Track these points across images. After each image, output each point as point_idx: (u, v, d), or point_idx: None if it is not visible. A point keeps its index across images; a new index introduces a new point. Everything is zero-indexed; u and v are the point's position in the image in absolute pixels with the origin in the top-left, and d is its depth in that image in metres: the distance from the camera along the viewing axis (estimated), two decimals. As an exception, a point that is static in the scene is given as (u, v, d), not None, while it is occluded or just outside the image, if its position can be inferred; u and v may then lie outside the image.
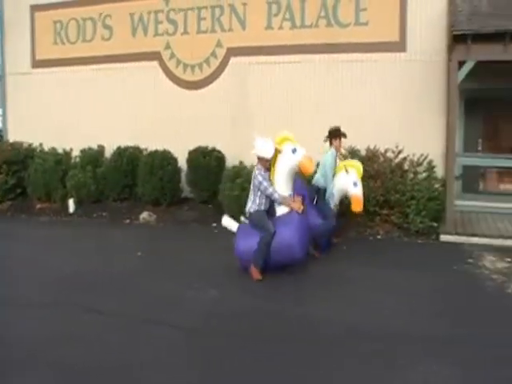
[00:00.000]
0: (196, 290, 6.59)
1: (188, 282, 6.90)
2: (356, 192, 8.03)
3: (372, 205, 9.65)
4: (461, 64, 9.11)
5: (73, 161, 12.59)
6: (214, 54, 12.22)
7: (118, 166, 11.80)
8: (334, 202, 8.21)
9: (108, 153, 12.47)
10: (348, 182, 8.07)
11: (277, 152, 7.21)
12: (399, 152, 10.06)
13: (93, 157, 12.34)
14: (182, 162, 11.64)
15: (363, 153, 10.27)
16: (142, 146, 12.24)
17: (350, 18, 11.23)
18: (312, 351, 4.91)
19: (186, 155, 11.53)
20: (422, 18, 10.80)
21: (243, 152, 11.42)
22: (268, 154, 7.06)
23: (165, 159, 11.43)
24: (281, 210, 7.19)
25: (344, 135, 8.31)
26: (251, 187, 7.25)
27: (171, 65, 12.57)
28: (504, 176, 11.31)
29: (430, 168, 10.00)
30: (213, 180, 11.09)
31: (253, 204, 7.17)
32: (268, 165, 7.21)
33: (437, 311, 5.93)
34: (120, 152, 11.98)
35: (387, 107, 10.97)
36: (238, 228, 7.43)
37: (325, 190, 8.09)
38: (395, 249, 8.73)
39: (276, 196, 7.04)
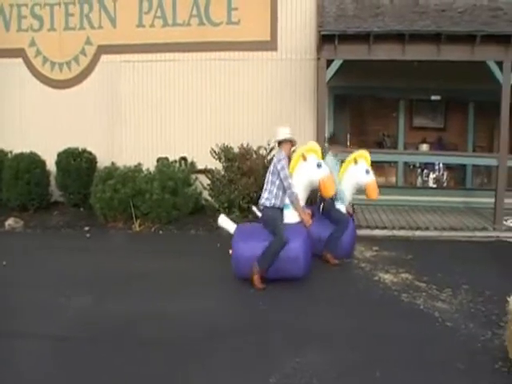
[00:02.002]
0: (67, 297, 6.21)
1: (58, 290, 6.47)
2: (369, 180, 7.87)
3: (246, 202, 9.73)
4: (329, 63, 9.41)
5: None
6: (83, 52, 11.82)
7: (-22, 171, 11.03)
8: (346, 200, 7.92)
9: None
10: (359, 172, 7.87)
11: (301, 158, 6.78)
12: (271, 149, 10.20)
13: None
14: (52, 165, 11.13)
15: (236, 150, 10.34)
16: (7, 149, 11.54)
17: (222, 17, 11.30)
18: (182, 352, 4.82)
19: (56, 157, 11.05)
20: (293, 18, 11.11)
21: (115, 152, 11.23)
22: (290, 135, 6.79)
23: (32, 162, 10.86)
24: (288, 219, 6.65)
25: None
26: (268, 177, 6.71)
27: (37, 62, 12.01)
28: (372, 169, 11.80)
29: (301, 163, 10.22)
30: (84, 182, 10.71)
31: (269, 195, 6.57)
32: (291, 152, 6.91)
33: (310, 301, 6.08)
34: (-19, 156, 11.22)
35: (260, 104, 11.16)
36: (237, 229, 6.83)
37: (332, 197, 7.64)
38: None
39: (292, 191, 6.51)
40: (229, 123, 11.06)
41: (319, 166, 6.71)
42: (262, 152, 10.24)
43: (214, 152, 10.37)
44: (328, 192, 6.82)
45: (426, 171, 11.96)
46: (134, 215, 9.64)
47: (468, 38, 9.14)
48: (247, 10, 11.19)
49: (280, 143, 6.81)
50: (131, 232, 9.50)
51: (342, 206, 7.85)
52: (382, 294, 6.36)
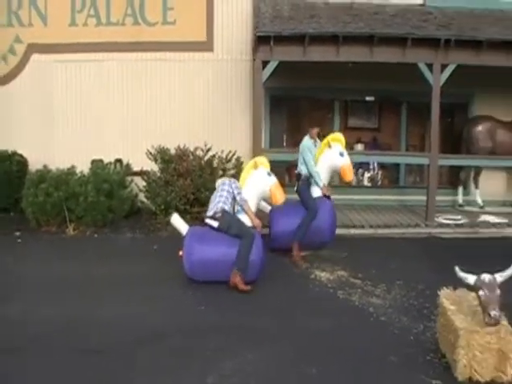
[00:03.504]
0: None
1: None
2: (344, 162, 7.97)
3: (182, 203, 9.65)
4: (265, 64, 9.46)
5: None
6: (12, 51, 11.41)
7: None
8: (322, 182, 7.98)
9: None
10: (334, 155, 7.98)
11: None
12: (208, 150, 10.20)
13: None
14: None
15: (173, 152, 10.25)
16: None
17: (157, 17, 11.19)
18: (117, 357, 4.73)
19: (-17, 161, 10.59)
20: (229, 19, 11.15)
21: (48, 155, 10.89)
22: None
23: (-43, 167, 10.37)
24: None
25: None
26: (221, 193, 6.87)
27: (-40, 61, 11.51)
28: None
29: (239, 164, 10.27)
30: (15, 186, 10.31)
31: (224, 205, 6.72)
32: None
33: (248, 301, 6.11)
34: None
35: (196, 106, 11.15)
36: (189, 232, 6.78)
37: (307, 179, 7.93)
38: None
39: (246, 203, 6.87)
40: (165, 124, 10.95)
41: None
42: (199, 153, 10.19)
43: (150, 153, 10.24)
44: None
45: (360, 170, 12.19)
46: (67, 219, 9.39)
47: (400, 41, 9.41)
48: (183, 10, 11.12)
49: None
50: (65, 236, 9.23)
51: (317, 189, 7.98)
52: (319, 292, 6.49)
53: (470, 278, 4.48)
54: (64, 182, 9.57)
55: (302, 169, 8.02)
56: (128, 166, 10.82)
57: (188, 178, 9.76)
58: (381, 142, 12.11)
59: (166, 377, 4.39)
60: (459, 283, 4.69)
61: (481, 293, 4.34)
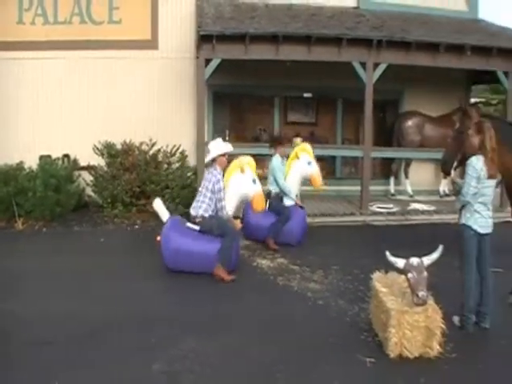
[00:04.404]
0: None
1: None
2: (312, 170, 8.50)
3: (128, 196, 9.93)
4: (208, 62, 9.74)
5: None
6: (-44, 47, 11.23)
7: None
8: (293, 194, 8.48)
9: None
10: (303, 165, 8.48)
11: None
12: (153, 144, 10.48)
13: None
14: None
15: (119, 147, 10.49)
16: None
17: (104, 16, 11.31)
18: (66, 350, 4.83)
19: None
20: (173, 18, 11.40)
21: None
22: (228, 148, 7.03)
23: None
24: None
25: (288, 140, 9.02)
26: (203, 190, 6.93)
27: None
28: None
29: (183, 158, 10.60)
30: None
31: (207, 207, 6.86)
32: (226, 162, 7.17)
33: (193, 290, 6.33)
34: None
35: (142, 102, 11.33)
36: (170, 220, 6.94)
37: (278, 195, 8.33)
38: (152, 236, 8.81)
39: (224, 212, 6.92)
40: (112, 120, 11.06)
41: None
42: (144, 148, 10.47)
43: (97, 148, 10.44)
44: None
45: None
46: (16, 214, 9.46)
47: (335, 41, 9.86)
48: (128, 9, 11.30)
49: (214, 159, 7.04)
50: (14, 231, 9.28)
51: (290, 201, 8.44)
52: (260, 279, 6.81)
53: (400, 262, 4.83)
54: (13, 178, 9.64)
55: (272, 188, 8.44)
56: (75, 161, 10.93)
57: (134, 172, 10.04)
58: (318, 135, 12.61)
59: (114, 366, 4.50)
60: (390, 267, 5.07)
61: (410, 275, 4.69)
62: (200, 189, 7.08)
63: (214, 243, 6.70)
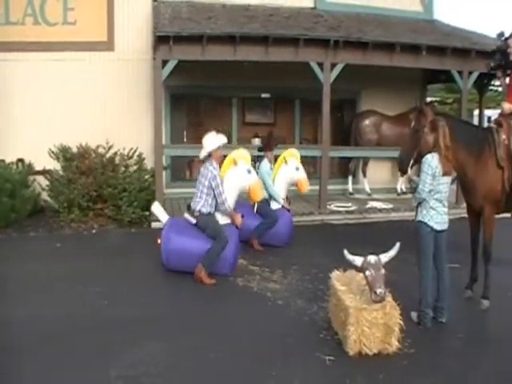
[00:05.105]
0: None
1: None
2: (300, 176, 8.54)
3: (85, 200, 9.75)
4: (165, 63, 9.64)
5: None
6: None
7: None
8: (280, 198, 8.48)
9: None
10: (290, 170, 8.53)
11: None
12: (110, 147, 10.34)
13: None
14: None
15: (75, 150, 10.31)
16: None
17: (58, 17, 11.04)
18: (21, 356, 4.73)
19: None
20: (130, 19, 11.25)
21: None
22: (223, 139, 6.94)
23: None
24: (220, 219, 6.99)
25: (276, 145, 8.86)
26: (200, 186, 6.81)
27: None
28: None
29: (140, 161, 10.46)
30: None
31: (205, 203, 6.77)
32: (222, 157, 7.13)
33: (141, 294, 6.25)
34: None
35: (98, 104, 11.12)
36: (168, 222, 6.92)
37: (265, 198, 8.19)
38: (109, 240, 8.94)
39: (226, 206, 6.84)
40: (67, 123, 10.78)
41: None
42: (101, 151, 10.33)
43: (52, 152, 10.24)
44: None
45: (258, 163, 12.67)
46: (-30, 220, 9.18)
47: (293, 41, 9.88)
48: (84, 10, 11.06)
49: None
50: (-32, 238, 9.01)
51: (277, 205, 8.46)
52: (219, 279, 6.69)
53: (357, 260, 4.87)
54: (-34, 183, 9.35)
55: None
56: (30, 165, 10.63)
57: (90, 176, 9.88)
58: (277, 135, 12.60)
59: (70, 372, 4.42)
60: (349, 265, 5.10)
61: (367, 273, 4.73)
62: (197, 183, 6.99)
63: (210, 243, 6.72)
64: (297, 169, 8.59)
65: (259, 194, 7.50)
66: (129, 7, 11.26)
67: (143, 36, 11.13)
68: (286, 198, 8.73)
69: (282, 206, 8.54)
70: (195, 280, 6.57)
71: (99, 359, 4.63)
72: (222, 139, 6.96)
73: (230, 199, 6.99)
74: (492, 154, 5.88)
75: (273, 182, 8.49)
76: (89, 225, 9.65)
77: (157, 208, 7.24)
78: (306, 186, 8.70)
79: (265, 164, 8.54)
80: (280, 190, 8.53)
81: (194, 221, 6.84)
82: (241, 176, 7.26)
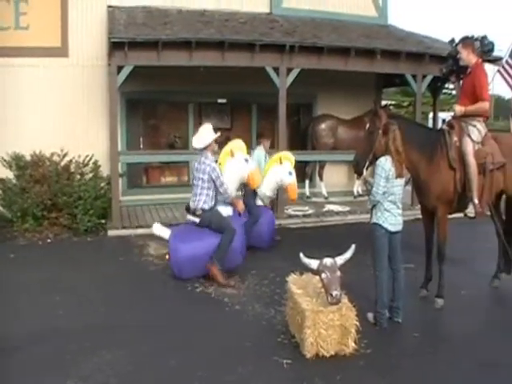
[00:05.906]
0: None
1: None
2: (291, 181, 8.44)
3: (40, 209, 9.53)
4: (120, 69, 9.53)
5: None
6: None
7: None
8: (267, 197, 8.56)
9: None
10: (283, 173, 8.43)
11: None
12: (65, 155, 10.14)
13: None
14: None
15: (28, 158, 10.08)
16: None
17: (10, 22, 10.73)
18: None
19: None
20: (84, 24, 11.06)
21: None
22: (212, 134, 6.94)
23: None
24: (223, 211, 7.06)
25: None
26: (199, 182, 6.80)
27: None
28: (164, 170, 12.32)
29: (96, 168, 10.30)
30: None
31: (206, 198, 6.80)
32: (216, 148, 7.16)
33: (98, 302, 6.19)
34: None
35: (52, 111, 10.87)
36: (172, 233, 6.91)
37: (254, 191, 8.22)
38: (65, 250, 8.73)
39: (228, 194, 6.98)
40: (20, 131, 10.49)
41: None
42: (56, 159, 10.12)
43: (5, 160, 9.99)
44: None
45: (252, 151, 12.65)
46: None
47: (248, 46, 9.90)
48: (37, 15, 10.77)
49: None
50: None
51: (261, 203, 8.49)
52: (175, 286, 6.73)
53: (313, 263, 4.92)
54: None
55: None
56: (-19, 174, 10.36)
57: (45, 184, 9.65)
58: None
59: (25, 382, 4.38)
60: (306, 268, 5.14)
61: (323, 275, 4.78)
62: (195, 182, 6.95)
63: (218, 238, 6.77)
64: (290, 173, 8.57)
65: (258, 181, 7.77)
66: (83, 12, 11.06)
67: (98, 42, 10.95)
68: (272, 200, 8.87)
69: (266, 206, 8.65)
70: (210, 276, 6.68)
71: (56, 370, 4.55)
72: (214, 131, 7.04)
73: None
74: (444, 155, 6.01)
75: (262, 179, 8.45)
76: (44, 234, 9.42)
77: (158, 229, 7.19)
78: (296, 193, 8.72)
79: (258, 151, 8.74)
80: (267, 191, 8.57)
81: (197, 220, 6.91)
82: (239, 166, 7.52)
